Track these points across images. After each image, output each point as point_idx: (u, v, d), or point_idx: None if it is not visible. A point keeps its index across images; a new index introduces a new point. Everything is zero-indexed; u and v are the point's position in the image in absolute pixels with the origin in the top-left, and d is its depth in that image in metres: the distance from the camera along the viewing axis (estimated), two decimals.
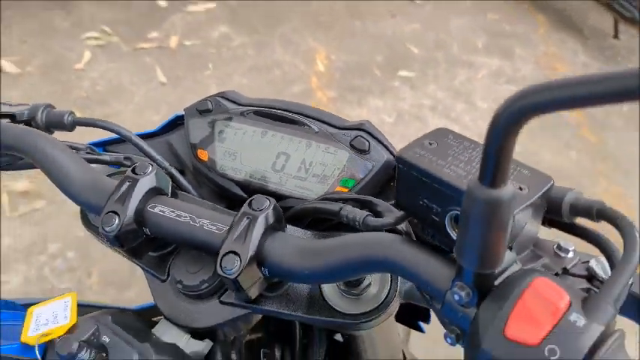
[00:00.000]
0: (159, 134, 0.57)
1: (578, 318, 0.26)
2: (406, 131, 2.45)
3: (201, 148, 0.53)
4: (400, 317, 0.63)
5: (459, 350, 0.32)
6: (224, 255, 0.36)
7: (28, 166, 0.50)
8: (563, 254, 0.37)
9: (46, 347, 0.39)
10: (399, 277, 0.43)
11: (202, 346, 0.46)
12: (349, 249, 0.35)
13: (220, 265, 0.36)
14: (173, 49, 2.73)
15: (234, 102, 0.53)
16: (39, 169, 0.47)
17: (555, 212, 0.35)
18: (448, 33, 3.22)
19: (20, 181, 1.91)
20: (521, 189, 0.32)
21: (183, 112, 0.55)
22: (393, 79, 2.77)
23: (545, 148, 2.58)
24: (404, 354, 0.76)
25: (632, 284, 0.32)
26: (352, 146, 0.49)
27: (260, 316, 0.49)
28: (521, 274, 0.28)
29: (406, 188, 0.34)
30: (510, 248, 0.31)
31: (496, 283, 0.29)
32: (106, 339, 0.39)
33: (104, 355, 0.39)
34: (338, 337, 0.59)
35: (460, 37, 3.20)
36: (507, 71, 3.00)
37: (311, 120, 0.51)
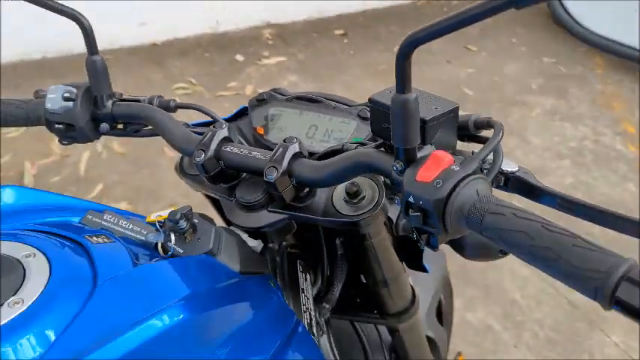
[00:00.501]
0: (231, 120, 0.82)
1: (455, 167, 0.45)
2: None
3: (259, 125, 0.77)
4: (406, 261, 0.82)
5: None
6: (267, 168, 0.58)
7: (149, 134, 0.75)
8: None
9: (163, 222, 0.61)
10: (384, 193, 0.63)
11: (256, 243, 0.67)
12: (343, 159, 0.56)
13: (265, 175, 0.58)
14: (248, 96, 3.09)
15: (281, 94, 0.77)
16: (155, 135, 0.72)
17: (465, 129, 0.55)
18: (502, 76, 3.39)
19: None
20: (436, 108, 0.52)
21: (247, 104, 0.79)
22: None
23: (601, 181, 2.63)
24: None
25: (501, 162, 0.51)
26: (359, 116, 0.71)
27: (294, 229, 0.70)
28: (430, 151, 0.48)
29: (375, 118, 0.54)
30: (430, 144, 0.51)
31: (417, 157, 0.49)
32: (195, 220, 0.62)
33: (194, 228, 0.61)
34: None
35: (515, 80, 3.36)
36: (562, 109, 3.11)
37: (331, 101, 0.74)
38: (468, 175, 0.46)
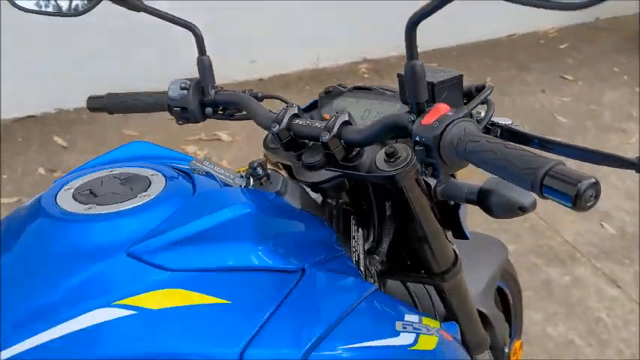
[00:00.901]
0: (305, 111, 1.03)
1: (449, 113, 0.61)
2: None
3: (326, 113, 0.96)
4: (446, 224, 0.95)
5: None
6: (322, 132, 0.76)
7: (241, 118, 0.97)
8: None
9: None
10: (414, 154, 0.79)
11: (315, 195, 0.85)
12: (377, 122, 0.73)
13: (320, 137, 0.76)
14: None
15: (343, 87, 0.96)
16: (246, 119, 0.94)
17: (470, 95, 0.70)
18: (600, 104, 3.33)
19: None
20: (443, 76, 0.68)
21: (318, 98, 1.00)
22: None
23: None
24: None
25: (492, 114, 0.66)
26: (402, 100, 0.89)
27: (347, 187, 0.87)
28: (436, 105, 0.64)
29: (402, 90, 0.71)
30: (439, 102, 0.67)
31: (426, 110, 0.64)
32: (268, 171, 0.81)
33: (267, 176, 0.80)
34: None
35: (613, 107, 3.29)
36: None
37: (380, 90, 0.92)
38: (458, 118, 0.62)
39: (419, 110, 0.66)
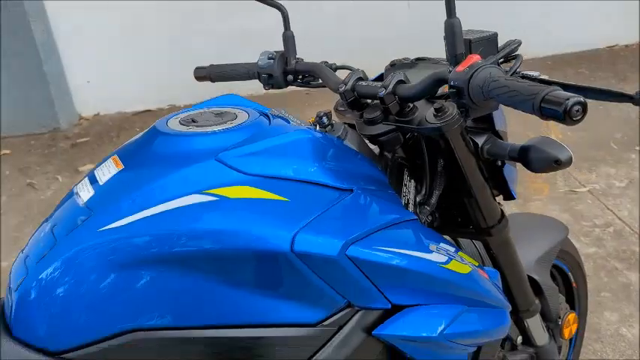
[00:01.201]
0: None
1: (479, 60, 0.73)
2: (635, 194, 2.54)
3: None
4: (495, 184, 1.04)
5: None
6: (379, 89, 0.91)
7: (316, 86, 1.15)
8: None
9: None
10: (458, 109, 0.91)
11: (374, 147, 1.01)
12: (426, 78, 0.87)
13: (378, 94, 0.91)
14: None
15: (406, 59, 1.10)
16: (320, 87, 1.12)
17: (507, 57, 0.82)
18: None
19: None
20: (480, 35, 0.81)
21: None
22: (629, 151, 2.88)
23: None
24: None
25: (519, 64, 0.77)
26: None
27: (401, 142, 1.00)
28: (469, 55, 0.77)
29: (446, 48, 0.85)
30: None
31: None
32: (333, 120, 0.98)
33: (331, 125, 0.96)
34: None
35: None
36: None
37: (433, 58, 1.05)
38: (485, 65, 0.74)
39: (456, 61, 0.79)
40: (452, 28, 0.78)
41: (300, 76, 1.17)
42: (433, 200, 1.03)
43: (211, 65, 1.25)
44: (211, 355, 0.76)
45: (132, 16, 3.76)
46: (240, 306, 0.74)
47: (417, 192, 1.06)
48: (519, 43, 0.80)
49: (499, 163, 1.03)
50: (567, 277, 1.51)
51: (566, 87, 0.75)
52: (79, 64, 3.98)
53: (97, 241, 0.71)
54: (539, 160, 0.89)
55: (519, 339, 1.29)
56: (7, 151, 3.66)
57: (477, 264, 0.95)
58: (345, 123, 1.08)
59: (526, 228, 1.37)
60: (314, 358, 0.78)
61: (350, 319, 0.78)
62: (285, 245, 0.70)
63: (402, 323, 0.80)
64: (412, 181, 1.05)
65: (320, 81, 1.13)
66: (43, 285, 0.71)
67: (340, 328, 0.78)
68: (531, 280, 1.24)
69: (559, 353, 1.41)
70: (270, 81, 1.15)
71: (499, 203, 1.08)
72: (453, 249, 0.90)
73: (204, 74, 1.25)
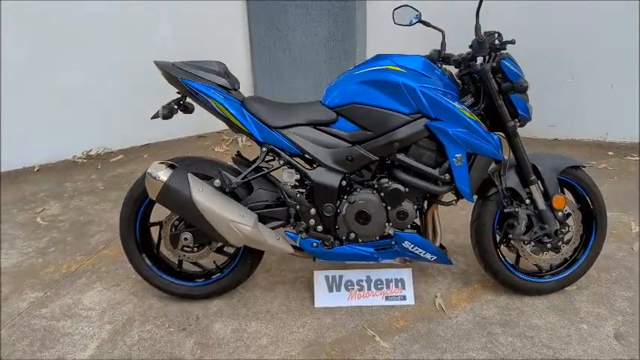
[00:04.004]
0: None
1: None
2: None
3: None
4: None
5: None
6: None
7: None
8: None
9: None
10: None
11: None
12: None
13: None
14: None
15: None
16: None
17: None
18: None
19: None
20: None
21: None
22: None
23: None
24: None
25: None
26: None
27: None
28: None
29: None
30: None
31: None
32: None
33: None
34: None
35: None
36: None
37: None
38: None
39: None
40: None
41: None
42: (480, 107, 2.07)
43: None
44: None
45: None
46: None
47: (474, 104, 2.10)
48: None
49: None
50: (584, 200, 2.25)
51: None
52: None
53: None
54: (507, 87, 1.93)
55: (527, 201, 2.15)
56: None
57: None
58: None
59: (546, 153, 2.27)
60: None
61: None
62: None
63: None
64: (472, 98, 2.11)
65: None
66: None
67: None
68: (533, 167, 2.14)
69: (555, 220, 2.14)
70: None
71: (517, 120, 2.07)
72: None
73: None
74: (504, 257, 2.28)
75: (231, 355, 2.00)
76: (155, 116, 2.08)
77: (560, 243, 2.20)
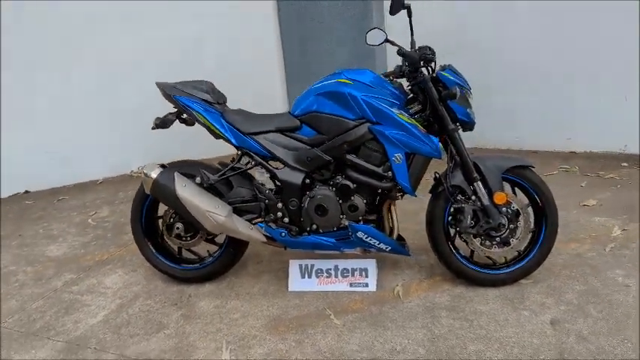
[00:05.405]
0: None
1: None
2: None
3: None
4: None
5: None
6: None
7: None
8: None
9: None
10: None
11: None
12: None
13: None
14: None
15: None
16: None
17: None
18: None
19: None
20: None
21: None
22: None
23: None
24: None
25: None
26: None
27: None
28: None
29: None
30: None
31: None
32: None
33: None
34: None
35: None
36: None
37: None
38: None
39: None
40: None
41: None
42: (426, 113, 2.35)
43: None
44: None
45: None
46: None
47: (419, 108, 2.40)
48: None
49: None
50: (533, 198, 2.43)
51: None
52: None
53: None
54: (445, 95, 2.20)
55: (473, 197, 2.36)
56: None
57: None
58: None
59: (492, 155, 2.51)
60: None
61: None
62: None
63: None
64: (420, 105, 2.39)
65: None
66: None
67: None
68: (475, 165, 2.34)
69: (499, 214, 2.34)
70: None
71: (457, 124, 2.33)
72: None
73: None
74: (458, 250, 2.49)
75: (206, 325, 2.38)
76: (153, 127, 2.55)
77: (510, 237, 2.38)
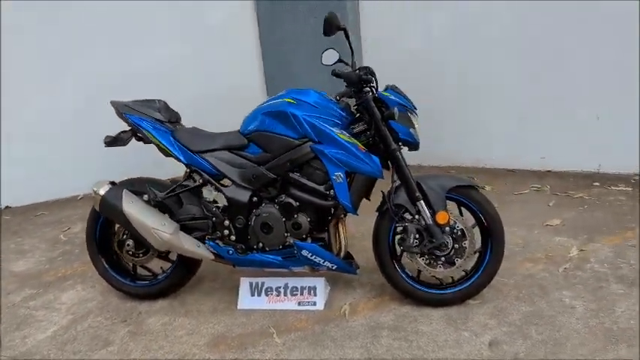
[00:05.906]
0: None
1: None
2: None
3: None
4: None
5: None
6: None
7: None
8: None
9: None
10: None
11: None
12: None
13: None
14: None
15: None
16: None
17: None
18: None
19: None
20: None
21: None
22: None
23: None
24: None
25: None
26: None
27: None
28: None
29: None
30: None
31: None
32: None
33: None
34: None
35: None
36: None
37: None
38: None
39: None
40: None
41: None
42: (369, 134, 2.35)
43: None
44: None
45: None
46: None
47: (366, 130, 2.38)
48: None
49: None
50: (478, 217, 2.42)
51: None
52: None
53: None
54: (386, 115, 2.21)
55: (417, 216, 2.36)
56: None
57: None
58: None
59: (435, 174, 2.57)
60: None
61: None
62: None
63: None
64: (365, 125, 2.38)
65: None
66: None
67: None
68: (418, 185, 2.33)
69: (442, 234, 2.34)
70: None
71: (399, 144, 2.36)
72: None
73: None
74: (405, 270, 2.48)
75: (149, 342, 2.39)
76: (105, 144, 2.59)
77: (455, 257, 2.38)
